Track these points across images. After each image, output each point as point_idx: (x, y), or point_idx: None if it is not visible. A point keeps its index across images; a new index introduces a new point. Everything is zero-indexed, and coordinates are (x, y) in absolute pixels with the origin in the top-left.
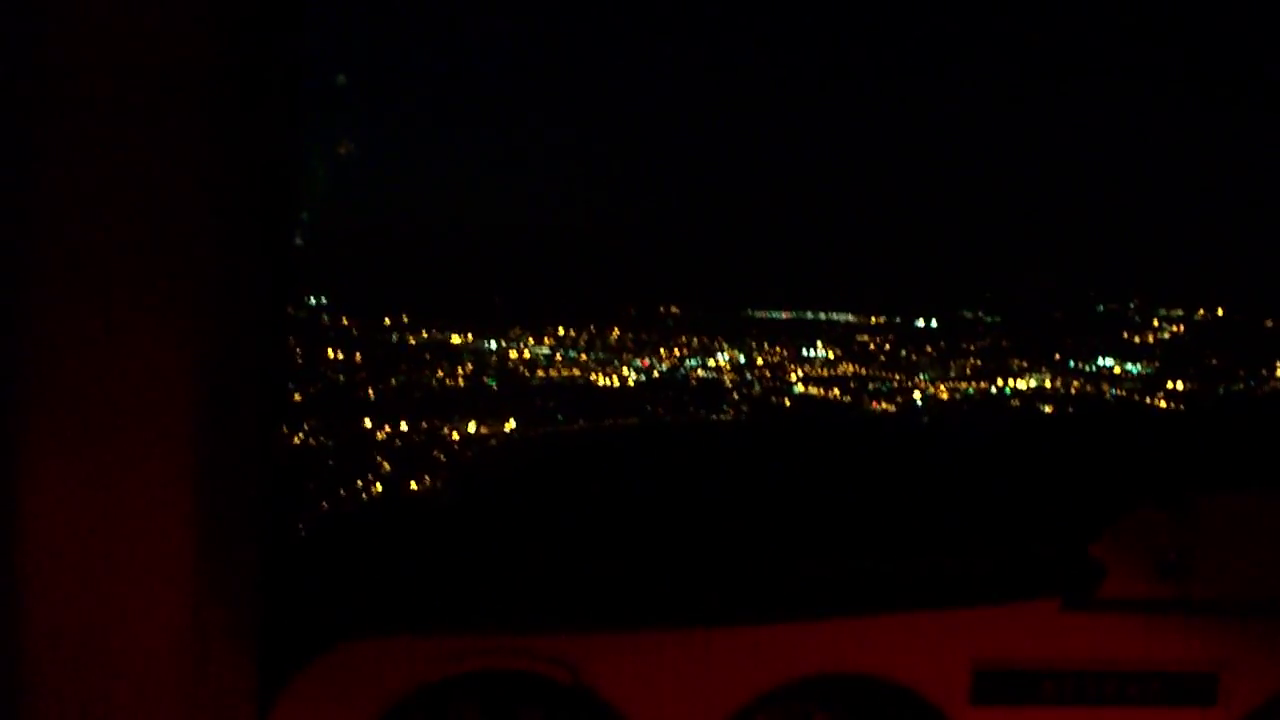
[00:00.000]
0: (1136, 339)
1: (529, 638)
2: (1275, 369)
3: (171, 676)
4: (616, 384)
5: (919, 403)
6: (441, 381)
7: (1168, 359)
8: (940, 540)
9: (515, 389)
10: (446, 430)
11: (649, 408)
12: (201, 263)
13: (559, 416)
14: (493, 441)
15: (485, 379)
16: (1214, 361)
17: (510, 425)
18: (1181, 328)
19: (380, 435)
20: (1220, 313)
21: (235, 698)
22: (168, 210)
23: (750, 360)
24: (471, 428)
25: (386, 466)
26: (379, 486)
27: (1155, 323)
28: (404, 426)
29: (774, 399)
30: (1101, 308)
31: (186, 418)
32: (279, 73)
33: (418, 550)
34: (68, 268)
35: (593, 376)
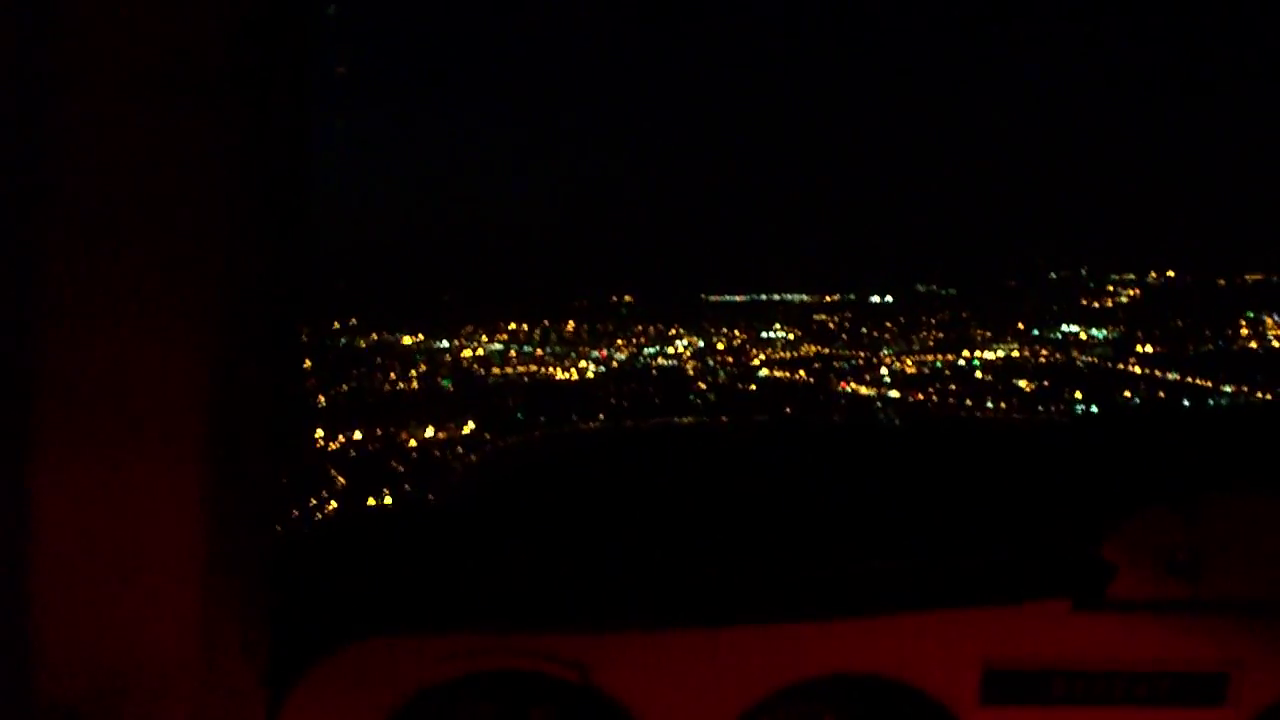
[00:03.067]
0: (1095, 304)
1: (538, 637)
2: (1239, 328)
3: (181, 677)
4: (575, 377)
5: (887, 378)
6: (395, 385)
7: (1132, 323)
8: (950, 540)
9: (471, 388)
10: (403, 437)
11: (612, 400)
12: (214, 263)
13: (519, 415)
14: (462, 449)
15: (440, 380)
16: (1179, 323)
17: (469, 427)
18: (1138, 291)
19: (333, 446)
20: (1172, 274)
21: (245, 697)
22: (178, 208)
23: (710, 345)
24: (429, 432)
25: (341, 481)
26: (334, 505)
27: (1110, 288)
28: (358, 435)
29: (740, 385)
30: (1054, 275)
31: (198, 418)
32: (290, 70)
33: (426, 549)
34: (77, 268)
35: (550, 371)
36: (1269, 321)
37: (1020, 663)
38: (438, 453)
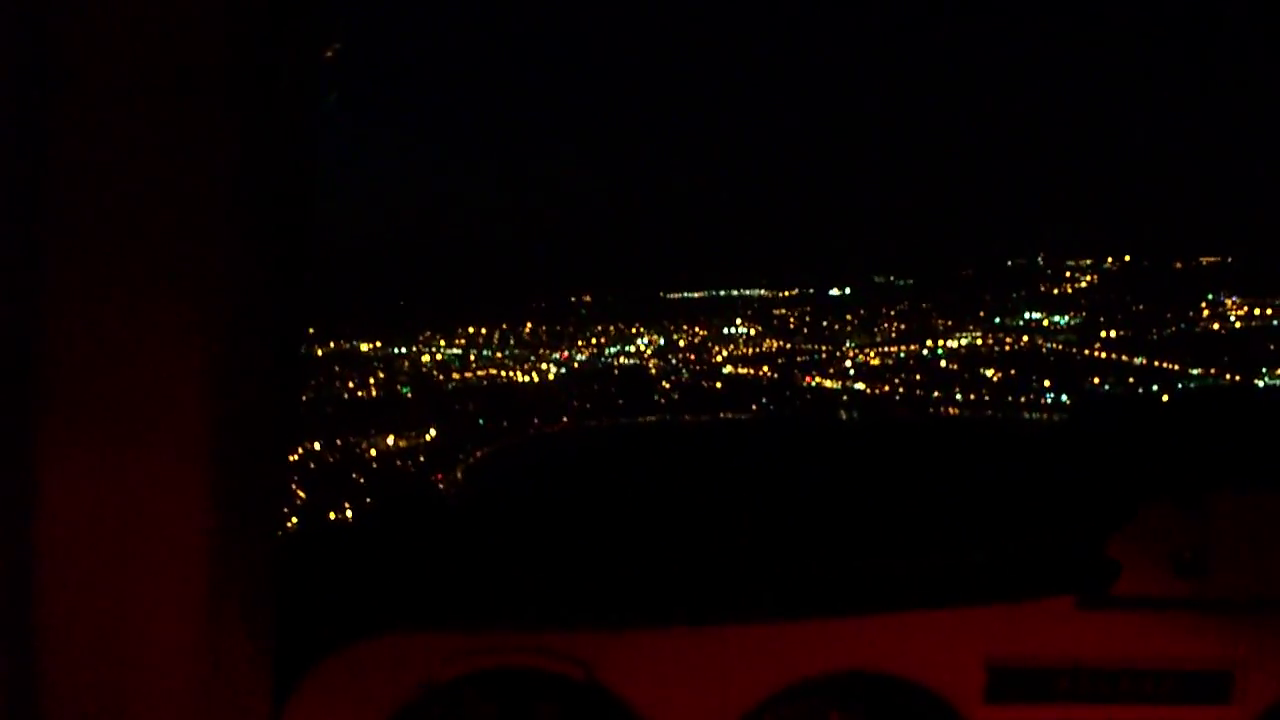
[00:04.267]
0: (1055, 291)
1: (544, 635)
2: (1201, 310)
3: (187, 673)
4: (536, 379)
5: (851, 371)
6: (353, 393)
7: (1093, 308)
8: (955, 539)
9: (431, 395)
10: (363, 446)
11: (574, 402)
12: (218, 263)
13: (480, 420)
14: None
15: (399, 387)
16: (1140, 307)
17: (431, 434)
18: (1095, 277)
19: (292, 458)
20: (1128, 259)
21: (251, 694)
22: (185, 210)
23: (672, 343)
24: (390, 441)
25: (301, 495)
26: (294, 520)
27: (1067, 274)
28: (316, 446)
29: (705, 383)
30: (1010, 263)
31: (203, 418)
32: (295, 73)
33: (433, 548)
34: (85, 268)
35: (511, 374)
36: (1229, 303)
37: (1024, 660)
38: (399, 462)
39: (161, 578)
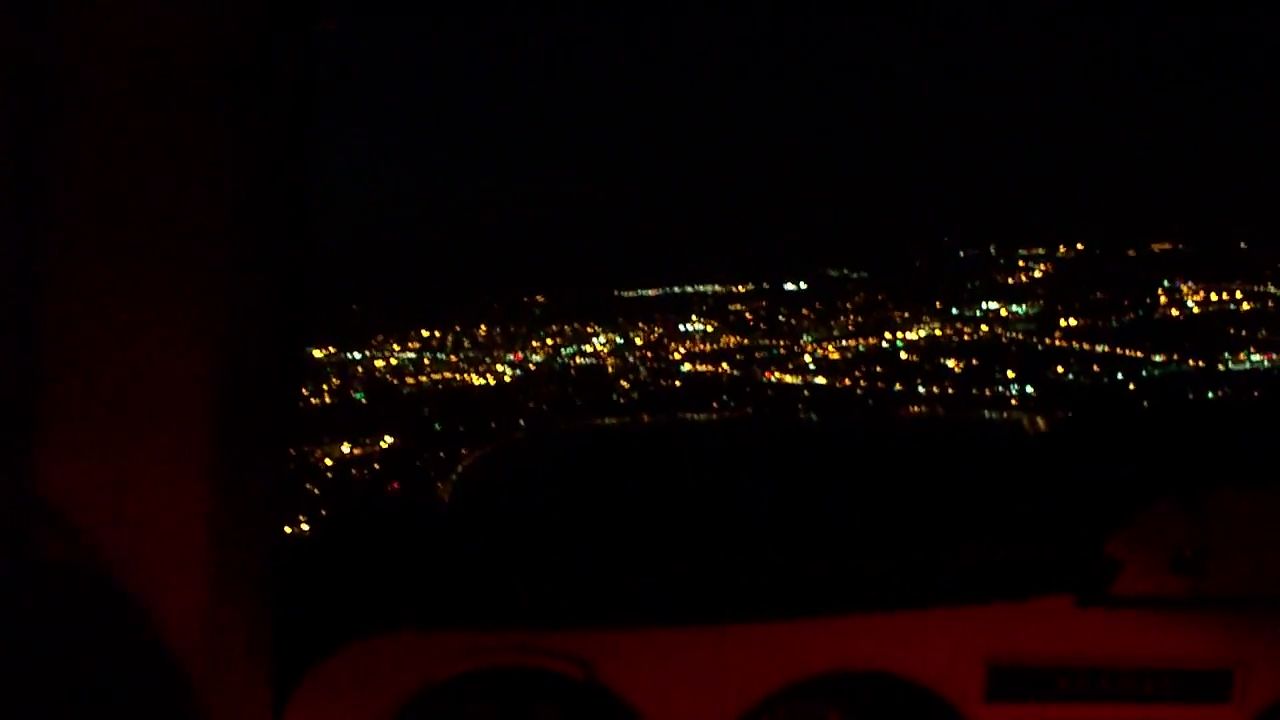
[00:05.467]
0: (1010, 280)
1: (542, 634)
2: (1158, 297)
3: (186, 674)
4: (492, 382)
5: (811, 365)
6: (306, 399)
7: (1050, 297)
8: (954, 537)
9: (386, 400)
10: (317, 455)
11: (531, 404)
12: (218, 263)
13: (436, 425)
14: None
15: (352, 393)
16: (1098, 295)
17: (387, 441)
18: (1049, 266)
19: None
20: (1081, 247)
21: (250, 695)
22: (185, 209)
23: (628, 341)
24: (345, 449)
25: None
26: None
27: (1021, 263)
28: None
29: (663, 381)
30: (962, 253)
31: (203, 418)
32: (292, 75)
33: (432, 547)
34: (85, 266)
35: (466, 376)
36: (1185, 289)
37: (1025, 659)
38: (355, 471)
39: (161, 578)
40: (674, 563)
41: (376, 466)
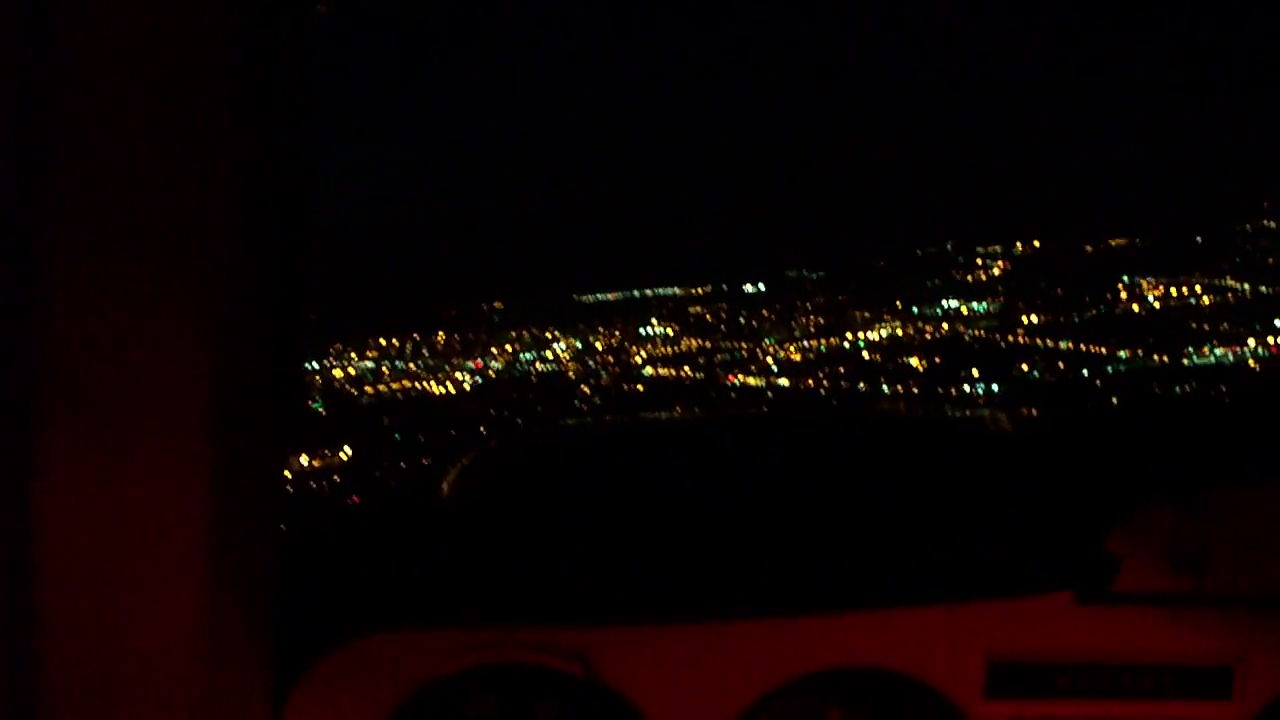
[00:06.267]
0: (970, 278)
1: (542, 631)
2: (1119, 293)
3: (185, 674)
4: (452, 390)
5: (773, 367)
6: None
7: (1011, 294)
8: (954, 534)
9: (344, 410)
10: None
11: (492, 411)
12: (218, 260)
13: (396, 435)
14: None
15: (310, 403)
16: (1059, 291)
17: (346, 453)
18: (1007, 264)
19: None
20: (1037, 244)
21: (249, 695)
22: (185, 205)
23: (589, 346)
24: (303, 460)
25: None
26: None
27: (979, 260)
28: None
29: (625, 386)
30: (920, 251)
31: (203, 415)
32: (291, 69)
33: (431, 544)
34: (83, 263)
35: (426, 385)
36: (1145, 284)
37: (1024, 656)
38: (314, 484)
39: (161, 578)
40: (674, 559)
41: (337, 479)
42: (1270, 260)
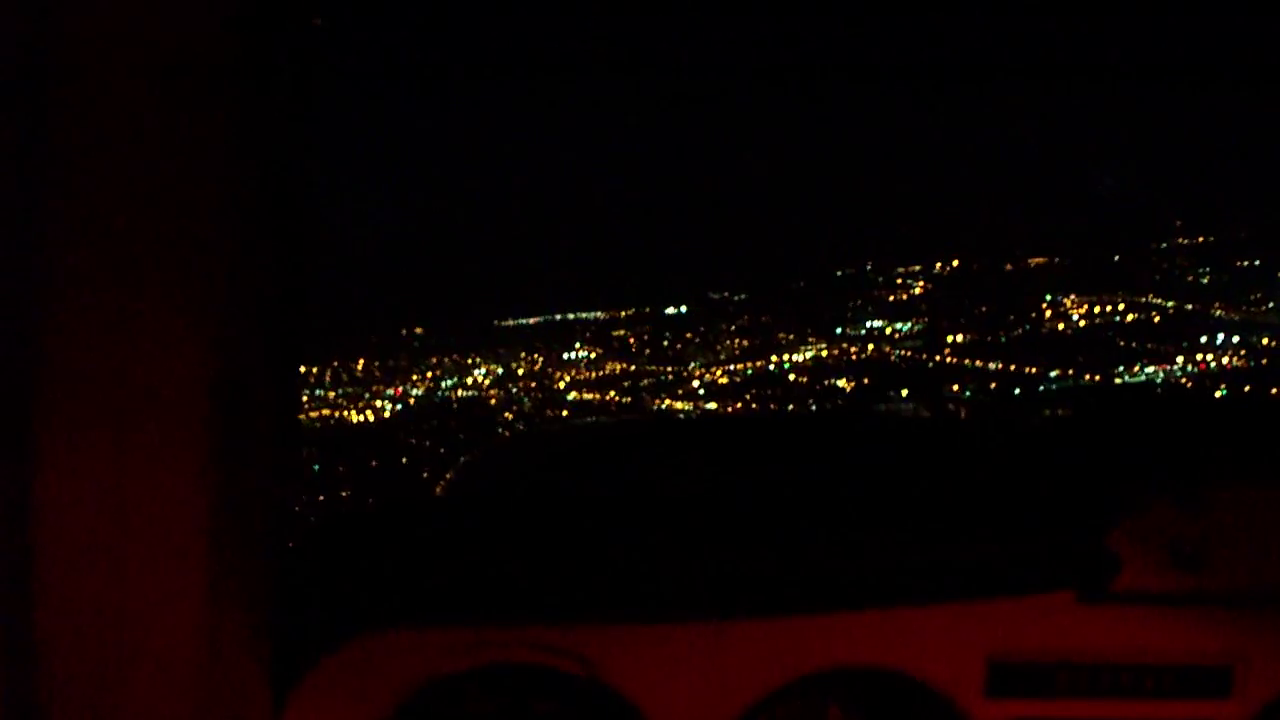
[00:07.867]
0: (891, 298)
1: (543, 630)
2: (1043, 312)
3: (186, 673)
4: (371, 418)
5: (700, 390)
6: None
7: (935, 314)
8: (954, 533)
9: None
10: None
11: (412, 440)
12: (218, 263)
13: (315, 466)
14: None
15: None
16: (982, 310)
17: None
18: (927, 284)
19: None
20: (956, 264)
21: (249, 694)
22: (184, 203)
23: (511, 372)
24: None
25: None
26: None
27: (899, 280)
28: None
29: (549, 411)
30: (840, 273)
31: (204, 414)
32: (290, 68)
33: (430, 544)
34: (84, 261)
35: (345, 414)
36: (1068, 302)
37: (1025, 655)
38: None
39: (161, 577)
40: (675, 558)
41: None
42: (1189, 278)
